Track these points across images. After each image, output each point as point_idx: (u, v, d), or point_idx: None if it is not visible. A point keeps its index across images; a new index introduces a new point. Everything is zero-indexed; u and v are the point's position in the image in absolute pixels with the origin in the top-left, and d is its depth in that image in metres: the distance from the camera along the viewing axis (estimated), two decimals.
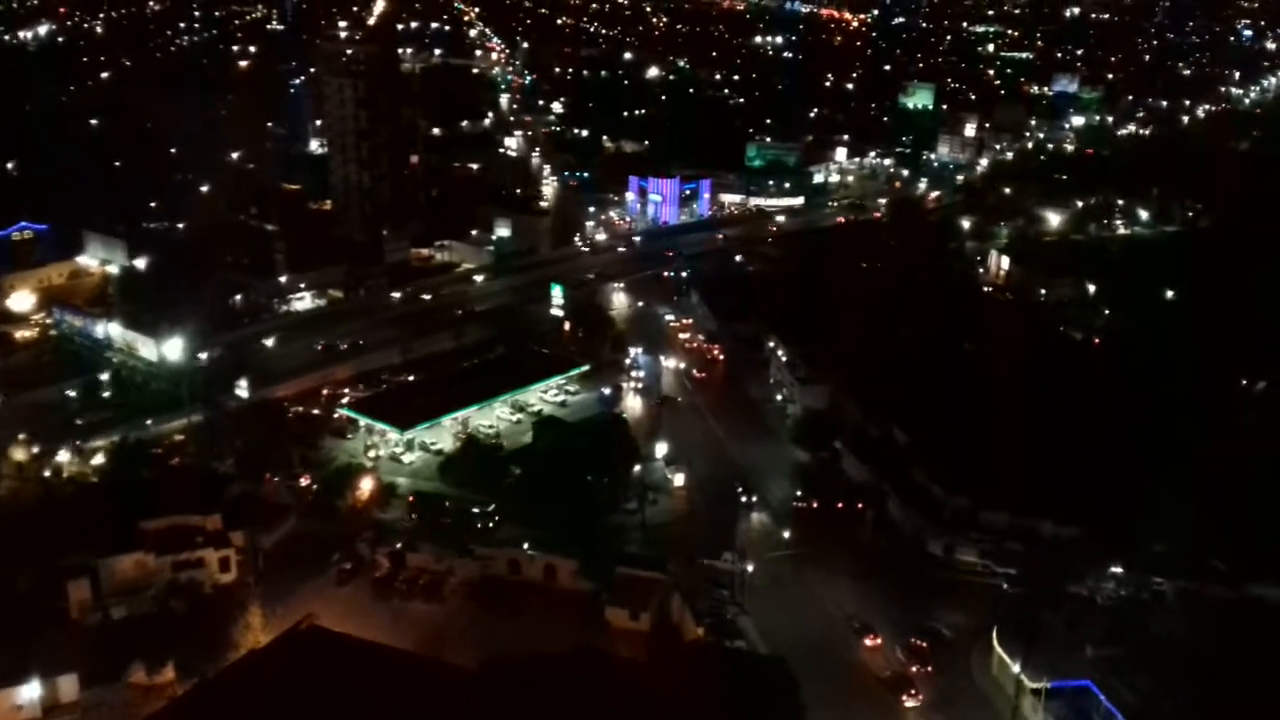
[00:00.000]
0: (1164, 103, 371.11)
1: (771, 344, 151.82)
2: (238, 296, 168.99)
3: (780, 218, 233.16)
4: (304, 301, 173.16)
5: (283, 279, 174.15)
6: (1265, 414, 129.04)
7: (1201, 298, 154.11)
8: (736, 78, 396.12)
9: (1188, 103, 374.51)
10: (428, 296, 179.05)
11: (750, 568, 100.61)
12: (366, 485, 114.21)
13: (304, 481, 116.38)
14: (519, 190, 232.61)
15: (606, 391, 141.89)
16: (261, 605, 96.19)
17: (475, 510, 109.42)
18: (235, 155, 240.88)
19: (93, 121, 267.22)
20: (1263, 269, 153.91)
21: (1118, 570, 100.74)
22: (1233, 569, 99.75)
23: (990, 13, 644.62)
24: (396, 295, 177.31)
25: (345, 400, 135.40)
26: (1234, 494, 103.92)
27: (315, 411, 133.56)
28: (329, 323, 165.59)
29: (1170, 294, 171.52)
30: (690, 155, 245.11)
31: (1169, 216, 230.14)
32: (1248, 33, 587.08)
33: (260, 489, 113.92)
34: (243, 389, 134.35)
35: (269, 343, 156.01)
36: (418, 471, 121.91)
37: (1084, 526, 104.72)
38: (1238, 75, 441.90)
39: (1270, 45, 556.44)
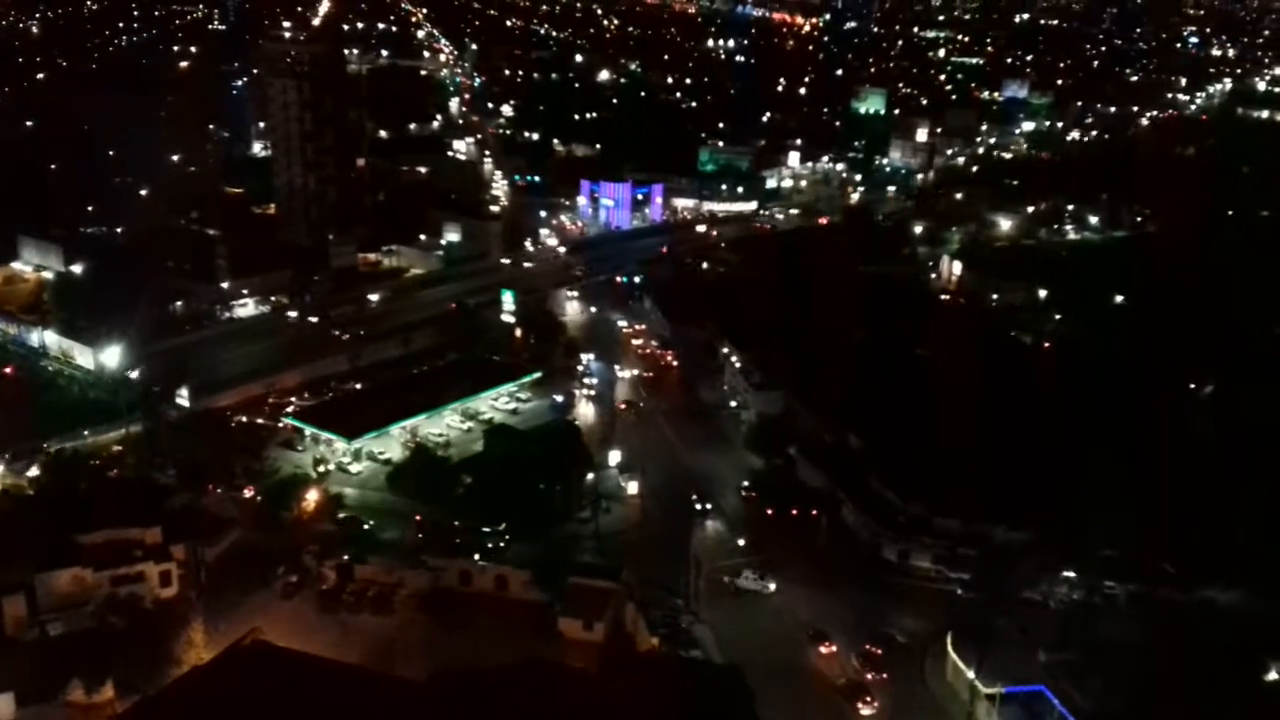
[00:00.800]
0: (1112, 108, 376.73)
1: (725, 350, 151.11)
2: (178, 303, 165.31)
3: (739, 219, 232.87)
4: (247, 308, 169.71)
5: (225, 285, 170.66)
6: (1212, 417, 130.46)
7: (1150, 302, 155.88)
8: (689, 81, 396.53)
9: (1136, 109, 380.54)
10: (375, 299, 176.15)
11: (773, 586, 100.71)
12: (313, 496, 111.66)
13: (248, 493, 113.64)
14: (469, 194, 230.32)
15: (559, 398, 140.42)
16: (204, 620, 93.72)
17: (486, 530, 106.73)
18: (176, 158, 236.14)
19: (28, 123, 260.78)
20: (1209, 273, 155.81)
21: (1070, 574, 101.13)
22: (1183, 572, 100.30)
23: (941, 18, 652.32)
24: (343, 300, 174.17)
25: (290, 409, 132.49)
26: (1183, 497, 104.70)
27: (259, 421, 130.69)
28: (273, 329, 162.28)
29: (1119, 299, 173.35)
30: (642, 159, 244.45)
31: (1118, 222, 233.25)
32: (1194, 40, 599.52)
33: (202, 501, 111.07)
34: (184, 398, 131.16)
35: (211, 350, 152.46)
36: (365, 481, 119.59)
37: (1036, 531, 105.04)
38: (1184, 82, 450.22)
39: (1216, 52, 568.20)
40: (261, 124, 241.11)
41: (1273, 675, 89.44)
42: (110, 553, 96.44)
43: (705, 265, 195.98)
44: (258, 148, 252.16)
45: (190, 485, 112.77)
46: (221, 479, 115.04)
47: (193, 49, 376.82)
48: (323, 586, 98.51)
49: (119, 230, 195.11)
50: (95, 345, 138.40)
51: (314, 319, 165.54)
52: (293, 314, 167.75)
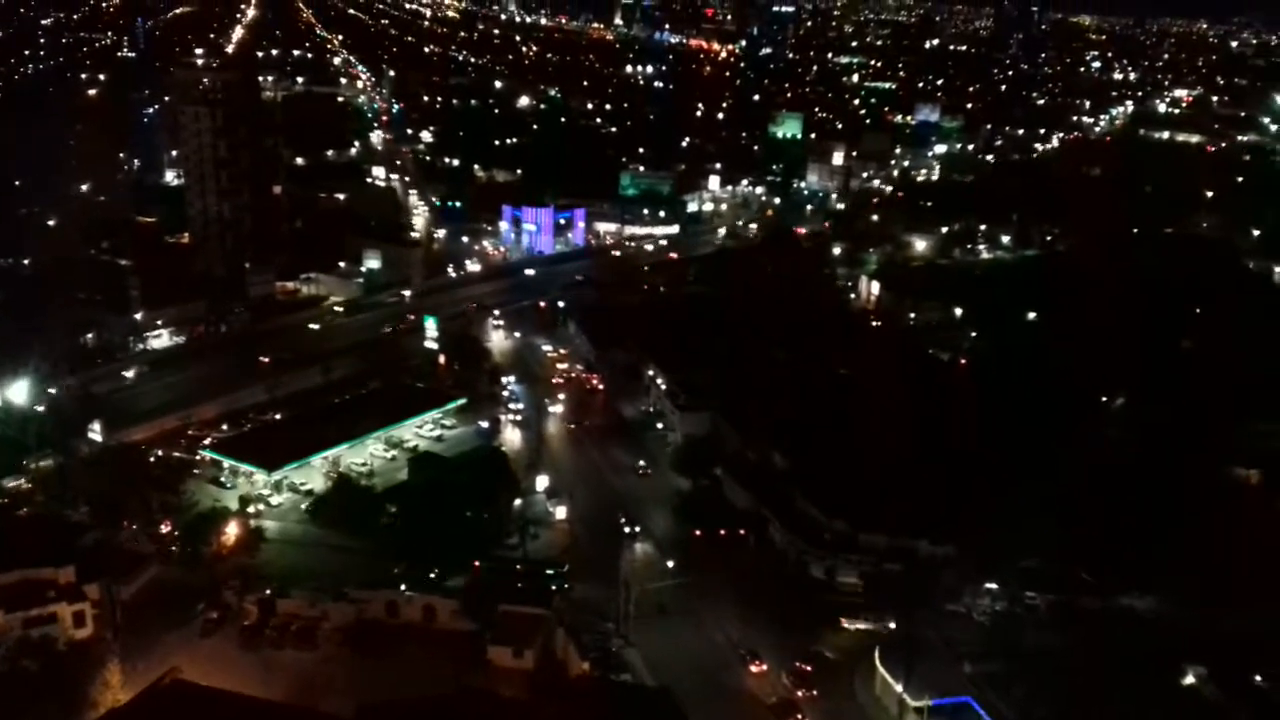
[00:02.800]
0: (1021, 131, 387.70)
1: (650, 372, 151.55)
2: (89, 335, 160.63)
3: (661, 243, 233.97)
4: (162, 339, 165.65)
5: (138, 316, 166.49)
6: (1124, 428, 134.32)
7: (1061, 318, 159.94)
8: (609, 107, 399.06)
9: (1043, 131, 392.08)
10: (294, 327, 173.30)
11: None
12: (232, 530, 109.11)
13: (164, 528, 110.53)
14: (389, 221, 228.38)
15: (485, 424, 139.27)
16: (121, 661, 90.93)
17: (550, 572, 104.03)
18: (85, 187, 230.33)
19: None
20: (1117, 289, 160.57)
21: (992, 586, 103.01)
22: (1100, 580, 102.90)
23: (854, 44, 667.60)
24: (261, 330, 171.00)
25: (208, 441, 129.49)
26: (1098, 507, 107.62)
27: (176, 454, 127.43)
28: (189, 360, 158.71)
29: (1032, 315, 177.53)
30: (564, 184, 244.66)
31: (1028, 241, 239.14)
32: (1096, 64, 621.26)
33: (117, 537, 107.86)
34: (96, 432, 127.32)
35: (125, 383, 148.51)
36: (286, 514, 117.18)
37: (958, 545, 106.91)
38: (1088, 105, 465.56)
39: (1118, 76, 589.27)
40: (174, 152, 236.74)
41: (1189, 679, 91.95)
42: (21, 593, 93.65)
43: (628, 288, 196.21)
44: (170, 176, 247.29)
45: (104, 522, 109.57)
46: (137, 514, 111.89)
47: (102, 77, 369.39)
48: (244, 622, 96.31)
49: (26, 261, 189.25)
50: (2, 380, 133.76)
51: (232, 349, 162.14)
52: (210, 344, 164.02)
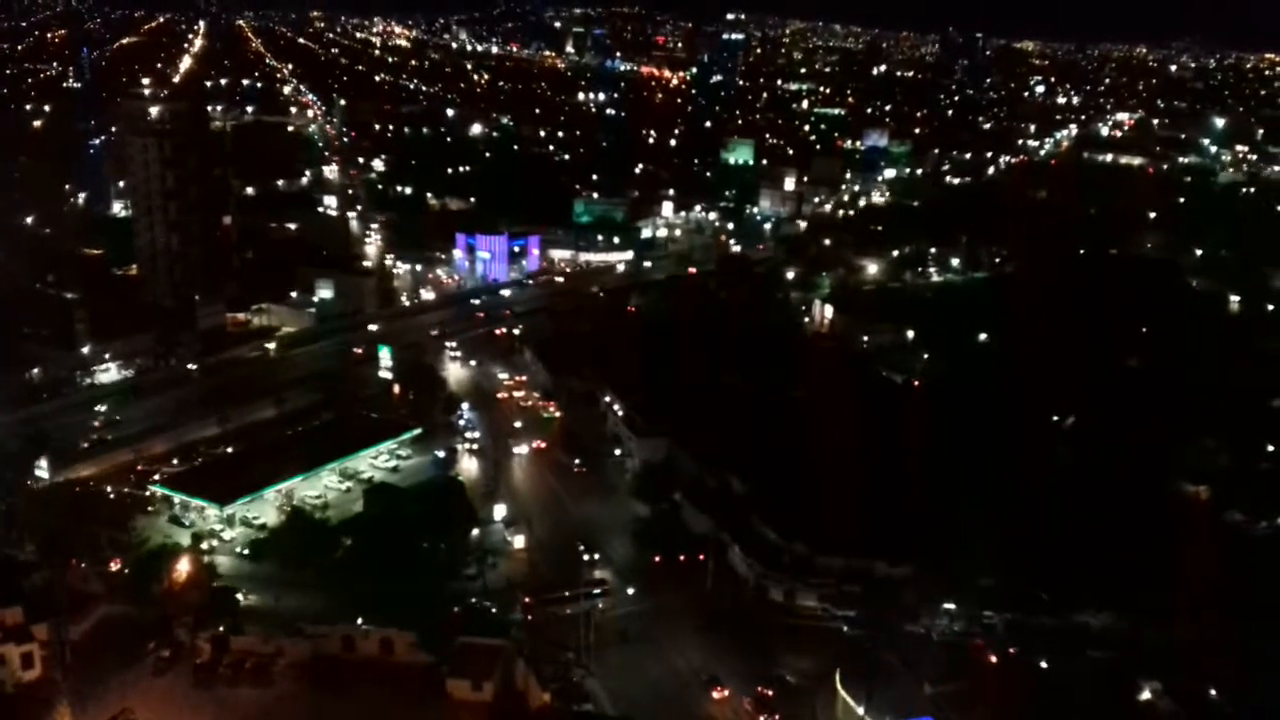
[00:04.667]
0: (968, 155, 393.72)
1: (607, 398, 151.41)
2: (35, 370, 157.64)
3: (616, 269, 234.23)
4: (110, 373, 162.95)
5: (85, 350, 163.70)
6: (1075, 447, 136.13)
7: (1011, 339, 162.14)
8: (561, 134, 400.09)
9: (989, 155, 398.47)
10: (246, 358, 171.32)
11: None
12: (184, 566, 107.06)
13: (114, 565, 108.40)
14: (341, 250, 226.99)
15: (441, 454, 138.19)
16: (71, 702, 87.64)
17: (596, 591, 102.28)
18: (30, 219, 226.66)
19: None
20: (1065, 309, 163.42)
21: (950, 606, 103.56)
22: (1055, 598, 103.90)
23: (803, 71, 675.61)
24: (212, 362, 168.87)
25: (158, 477, 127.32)
26: (1051, 525, 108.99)
27: (125, 490, 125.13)
28: (138, 394, 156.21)
29: (983, 336, 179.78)
30: (518, 212, 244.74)
31: (978, 263, 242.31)
32: (1040, 89, 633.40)
33: (65, 576, 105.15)
34: (43, 469, 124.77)
35: (72, 418, 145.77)
36: (240, 548, 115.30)
37: (915, 565, 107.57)
38: (1033, 128, 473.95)
39: (1061, 100, 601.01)
40: (121, 183, 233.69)
41: (1145, 694, 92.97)
42: None
43: (583, 315, 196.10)
44: (118, 207, 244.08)
45: (52, 560, 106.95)
46: (86, 552, 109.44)
47: (47, 108, 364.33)
48: (197, 660, 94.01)
49: None
50: None
51: (182, 381, 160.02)
52: (158, 377, 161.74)
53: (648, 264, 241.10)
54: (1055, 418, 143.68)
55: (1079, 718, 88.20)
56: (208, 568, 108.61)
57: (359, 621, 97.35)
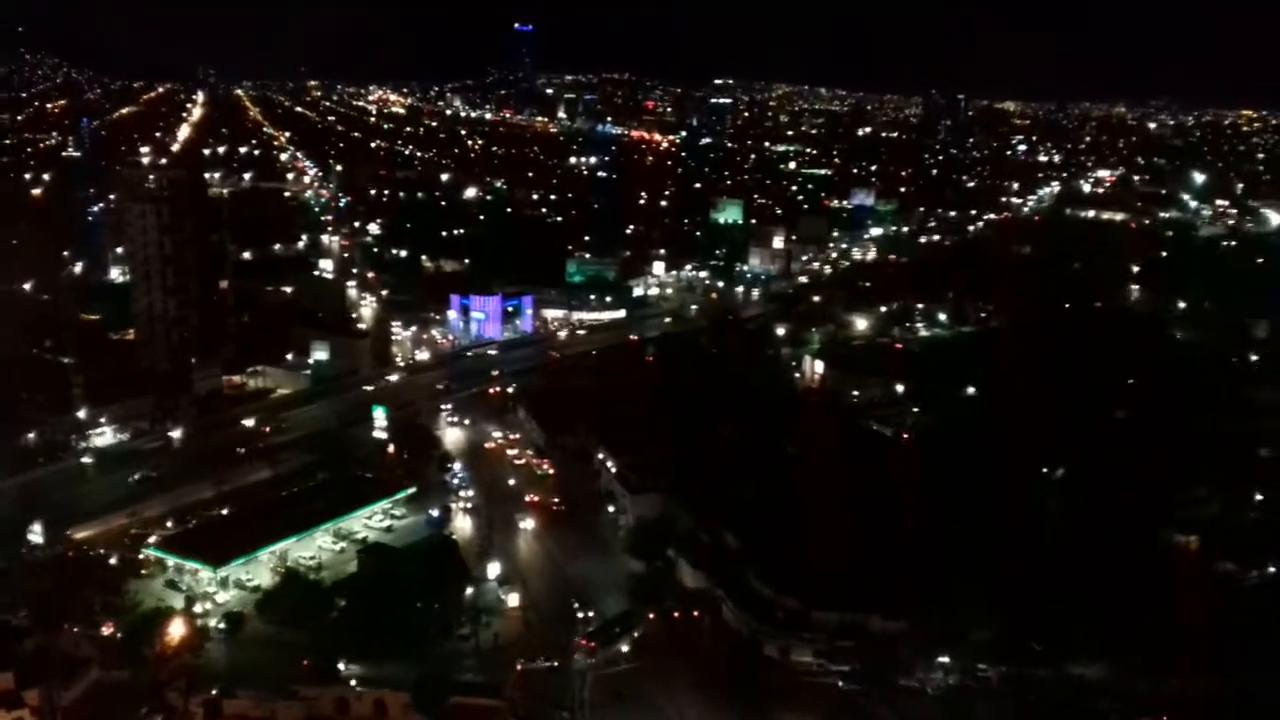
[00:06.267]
0: (952, 213, 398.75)
1: (600, 455, 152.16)
2: (31, 434, 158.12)
3: (609, 329, 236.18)
4: (105, 437, 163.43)
5: (82, 414, 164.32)
6: (1065, 499, 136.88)
7: (999, 392, 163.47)
8: (553, 197, 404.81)
9: (974, 212, 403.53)
10: (244, 424, 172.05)
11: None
12: (177, 630, 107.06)
13: (106, 630, 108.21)
14: (336, 312, 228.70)
15: (435, 513, 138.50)
16: None
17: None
18: (28, 286, 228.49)
19: None
20: (1051, 362, 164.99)
21: (944, 660, 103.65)
22: (1050, 650, 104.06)
23: (790, 133, 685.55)
24: (208, 425, 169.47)
25: (152, 540, 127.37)
26: (1043, 576, 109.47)
27: (119, 553, 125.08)
28: (134, 458, 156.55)
29: (971, 390, 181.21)
30: (511, 272, 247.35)
31: (964, 318, 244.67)
32: (1022, 147, 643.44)
33: (58, 641, 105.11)
34: (37, 534, 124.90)
35: (68, 483, 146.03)
36: (233, 611, 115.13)
37: (909, 619, 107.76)
38: (1016, 186, 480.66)
39: (1043, 158, 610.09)
40: (119, 249, 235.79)
41: None
42: None
43: (577, 373, 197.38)
44: (115, 273, 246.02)
45: (45, 625, 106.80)
46: (78, 617, 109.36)
47: (46, 176, 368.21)
48: None
49: None
50: None
51: (178, 445, 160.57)
52: (156, 442, 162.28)
53: (639, 322, 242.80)
54: (1044, 469, 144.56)
55: None
56: (201, 631, 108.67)
57: (353, 683, 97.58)
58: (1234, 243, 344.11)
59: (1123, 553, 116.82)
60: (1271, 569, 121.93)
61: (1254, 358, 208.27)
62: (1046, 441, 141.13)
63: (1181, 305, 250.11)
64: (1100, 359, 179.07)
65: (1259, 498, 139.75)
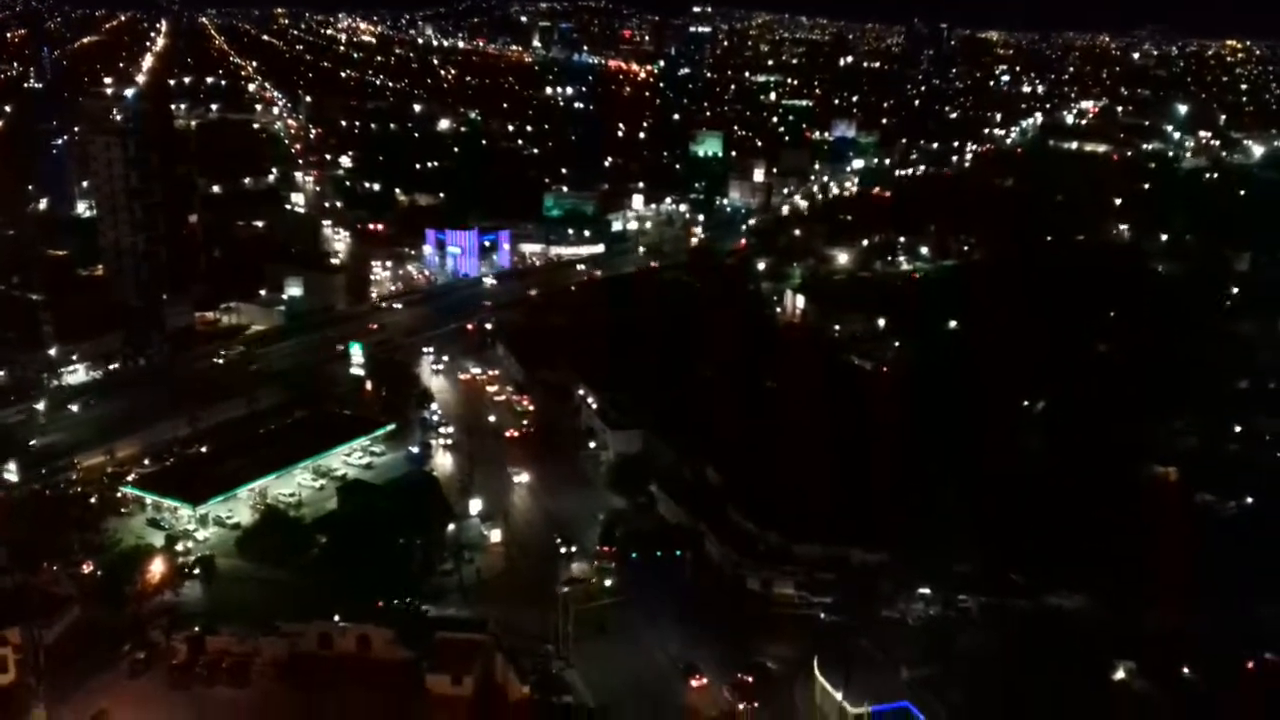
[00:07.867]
0: (935, 144, 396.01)
1: (581, 391, 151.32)
2: (1, 373, 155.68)
3: (581, 265, 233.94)
4: (78, 374, 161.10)
5: (52, 351, 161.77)
6: (1045, 432, 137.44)
7: (980, 325, 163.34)
8: (529, 129, 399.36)
9: (956, 144, 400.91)
10: (217, 360, 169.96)
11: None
12: (157, 567, 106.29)
13: (86, 568, 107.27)
14: (310, 247, 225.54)
15: (415, 450, 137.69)
16: (46, 706, 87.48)
17: None
18: None
19: None
20: (1033, 296, 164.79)
21: (925, 591, 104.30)
22: (1030, 582, 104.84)
23: (770, 63, 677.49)
24: (180, 361, 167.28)
25: (130, 478, 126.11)
26: (1023, 508, 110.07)
27: (97, 492, 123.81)
28: (107, 395, 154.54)
29: (952, 324, 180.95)
30: (487, 206, 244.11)
31: (946, 251, 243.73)
32: (1005, 78, 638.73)
33: (37, 579, 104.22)
34: (11, 473, 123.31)
35: (41, 421, 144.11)
36: (213, 548, 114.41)
37: (891, 552, 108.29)
38: (999, 117, 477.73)
39: (1026, 89, 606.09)
40: (85, 183, 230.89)
41: (1119, 674, 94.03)
42: None
43: (555, 308, 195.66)
44: (81, 208, 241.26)
45: (24, 564, 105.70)
46: (57, 555, 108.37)
47: (7, 108, 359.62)
48: (173, 661, 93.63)
49: None
50: None
51: (151, 382, 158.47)
52: (128, 377, 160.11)
53: (618, 257, 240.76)
54: (1025, 403, 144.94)
55: (1053, 699, 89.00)
56: (181, 568, 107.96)
57: (335, 618, 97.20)
58: (1216, 175, 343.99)
59: (1102, 484, 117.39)
60: (1249, 500, 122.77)
61: (1235, 290, 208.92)
62: (1027, 375, 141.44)
63: (1163, 238, 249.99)
64: (1081, 292, 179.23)
65: (1238, 429, 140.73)
